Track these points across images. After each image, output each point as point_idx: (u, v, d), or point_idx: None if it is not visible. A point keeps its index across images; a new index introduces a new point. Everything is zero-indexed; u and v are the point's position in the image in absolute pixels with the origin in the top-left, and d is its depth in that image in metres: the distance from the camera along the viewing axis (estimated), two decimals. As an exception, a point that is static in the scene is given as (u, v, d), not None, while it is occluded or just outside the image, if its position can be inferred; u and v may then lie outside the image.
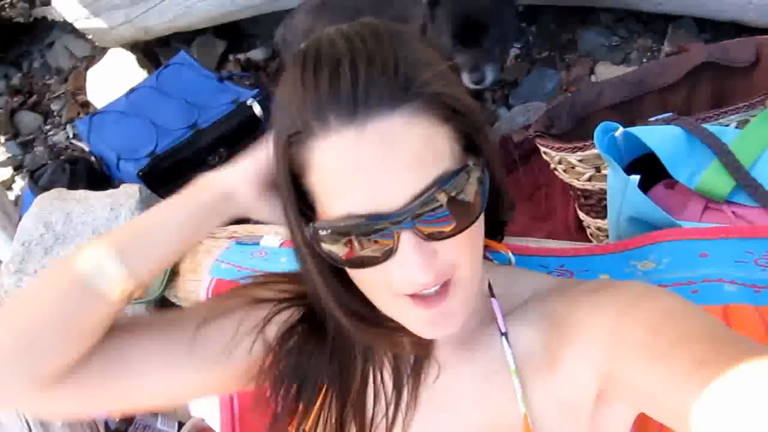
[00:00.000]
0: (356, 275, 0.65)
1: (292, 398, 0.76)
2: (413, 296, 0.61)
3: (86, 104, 2.77)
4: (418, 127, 0.56)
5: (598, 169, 1.18)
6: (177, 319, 0.76)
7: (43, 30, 3.08)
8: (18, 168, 2.77)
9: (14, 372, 0.65)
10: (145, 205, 1.52)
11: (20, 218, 1.61)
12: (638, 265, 0.88)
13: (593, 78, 2.09)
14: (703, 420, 0.49)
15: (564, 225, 1.54)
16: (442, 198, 0.57)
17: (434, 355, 0.75)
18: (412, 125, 0.56)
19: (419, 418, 0.73)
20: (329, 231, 0.59)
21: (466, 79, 1.65)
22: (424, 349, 0.74)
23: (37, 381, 0.66)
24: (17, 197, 2.61)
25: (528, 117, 1.99)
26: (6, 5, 2.94)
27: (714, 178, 0.92)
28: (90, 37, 2.65)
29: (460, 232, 0.59)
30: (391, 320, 0.70)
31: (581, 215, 1.34)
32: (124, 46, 2.68)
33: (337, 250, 0.60)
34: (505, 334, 0.71)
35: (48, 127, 2.87)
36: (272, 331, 0.77)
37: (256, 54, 2.63)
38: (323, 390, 0.75)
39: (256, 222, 1.43)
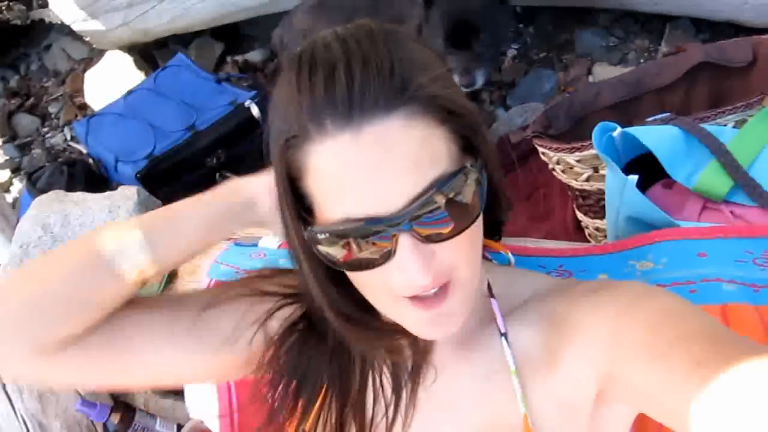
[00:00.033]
0: (355, 278, 0.65)
1: (290, 395, 0.76)
2: (413, 298, 0.61)
3: (84, 106, 2.77)
4: (414, 129, 0.56)
5: (596, 170, 1.18)
6: (183, 301, 0.77)
7: (41, 32, 3.08)
8: (16, 170, 2.77)
9: (20, 334, 0.66)
10: (143, 207, 1.52)
11: (18, 220, 1.60)
12: (637, 264, 0.88)
13: (591, 78, 2.10)
14: (702, 420, 0.49)
15: (562, 225, 1.54)
16: (440, 200, 0.57)
17: (434, 355, 0.75)
18: (409, 128, 0.56)
19: (419, 419, 0.73)
20: (327, 234, 0.59)
21: (456, 81, 1.65)
22: (421, 354, 0.74)
23: (40, 346, 0.67)
24: (15, 199, 2.61)
25: (526, 118, 1.99)
26: (3, 7, 2.94)
27: (712, 178, 0.92)
28: (87, 39, 2.65)
29: (459, 233, 0.59)
30: (388, 325, 0.71)
31: (579, 215, 1.34)
32: (121, 48, 2.68)
33: (335, 252, 0.61)
34: (504, 335, 0.71)
35: (45, 129, 2.87)
36: (274, 325, 0.77)
37: (254, 56, 2.64)
38: (323, 390, 0.75)
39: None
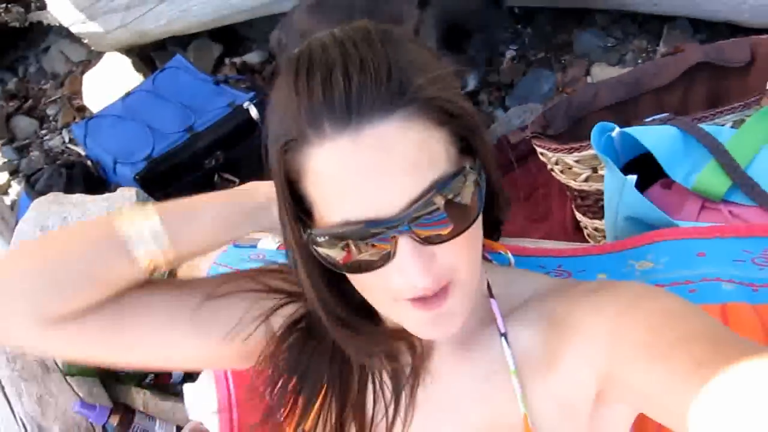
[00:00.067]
0: (355, 279, 0.65)
1: (290, 394, 0.76)
2: (413, 299, 0.61)
3: (82, 109, 2.77)
4: (413, 131, 0.56)
5: (594, 170, 1.18)
6: (189, 286, 0.77)
7: (39, 35, 3.07)
8: (14, 173, 2.77)
9: (28, 302, 0.67)
10: (141, 208, 1.52)
11: (17, 223, 1.61)
12: (636, 264, 0.88)
13: (589, 79, 2.10)
14: (702, 420, 0.49)
15: (561, 226, 1.54)
16: (439, 201, 0.57)
17: (434, 355, 0.75)
18: (407, 130, 0.56)
19: (419, 419, 0.73)
20: (326, 237, 0.59)
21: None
22: (419, 358, 0.74)
23: (45, 316, 0.67)
24: (14, 202, 2.60)
25: (524, 118, 1.99)
26: (1, 10, 2.94)
27: (710, 178, 0.93)
28: (86, 41, 2.64)
29: (458, 235, 0.59)
30: (383, 331, 0.71)
31: (578, 216, 1.34)
32: (119, 50, 2.68)
33: (335, 254, 0.60)
34: (504, 335, 0.71)
35: (44, 131, 2.87)
36: (277, 322, 0.77)
37: (252, 57, 2.63)
38: (323, 390, 0.75)
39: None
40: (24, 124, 2.90)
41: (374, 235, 0.57)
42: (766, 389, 0.47)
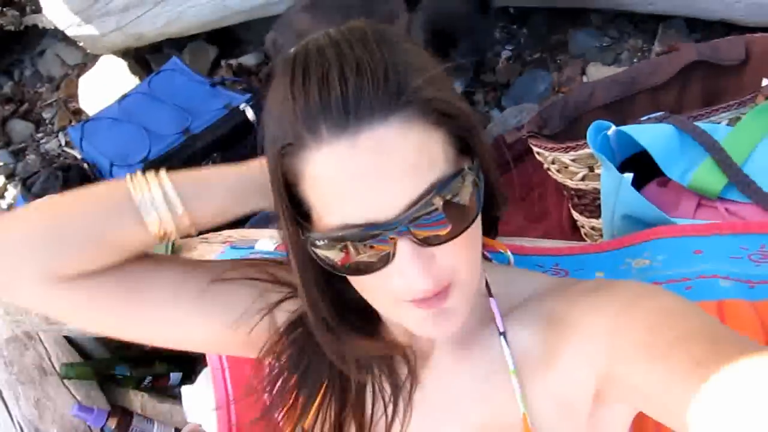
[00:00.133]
0: (355, 281, 0.65)
1: (289, 391, 0.76)
2: (413, 300, 0.61)
3: (78, 112, 2.76)
4: (411, 133, 0.56)
5: (591, 169, 1.18)
6: (197, 267, 0.78)
7: (34, 38, 3.06)
8: (10, 176, 2.76)
9: (34, 259, 0.67)
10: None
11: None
12: (633, 262, 0.88)
13: (585, 79, 2.10)
14: (702, 419, 0.49)
15: (558, 225, 1.54)
16: (438, 202, 0.57)
17: (433, 355, 0.75)
18: (405, 132, 0.55)
19: (418, 418, 0.73)
20: (326, 240, 0.59)
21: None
22: (413, 363, 0.74)
23: (50, 274, 0.68)
24: (10, 205, 2.60)
25: (520, 118, 1.99)
26: (-4, 14, 2.93)
27: (706, 176, 0.93)
28: (81, 44, 2.64)
29: (457, 235, 0.59)
30: (369, 345, 0.72)
31: (575, 215, 1.34)
32: (115, 53, 2.67)
33: (334, 256, 0.60)
34: (503, 334, 0.71)
35: (40, 135, 2.86)
36: (282, 316, 0.77)
37: (248, 59, 2.63)
38: (323, 388, 0.75)
39: (251, 226, 1.43)
40: (20, 127, 2.89)
41: (373, 236, 0.57)
42: (765, 388, 0.47)
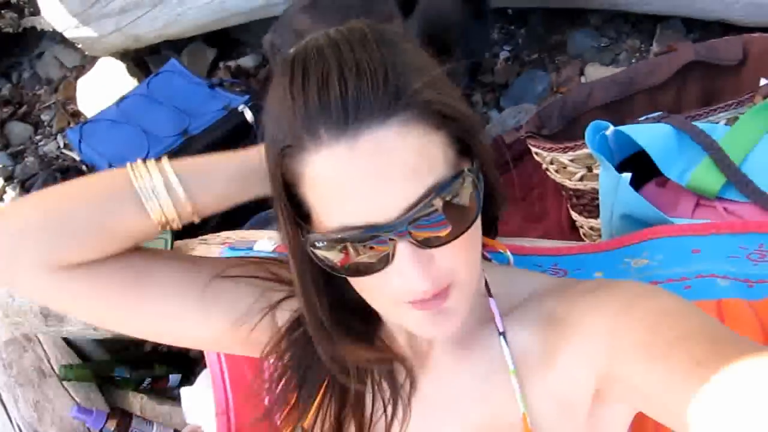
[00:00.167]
0: (355, 282, 0.65)
1: (290, 389, 0.76)
2: (412, 301, 0.61)
3: (77, 114, 2.76)
4: (410, 136, 0.55)
5: (589, 169, 1.18)
6: (199, 263, 0.78)
7: (33, 40, 3.06)
8: (9, 179, 2.76)
9: (35, 246, 0.67)
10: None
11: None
12: (631, 262, 0.88)
13: (583, 79, 2.10)
14: (702, 419, 0.49)
15: (557, 226, 1.54)
16: (438, 203, 0.57)
17: (432, 355, 0.75)
18: (405, 135, 0.55)
19: (418, 418, 0.73)
20: (325, 242, 0.59)
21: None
22: (410, 365, 0.74)
23: (52, 262, 0.67)
24: (8, 208, 2.59)
25: (519, 119, 1.99)
26: (-6, 16, 2.93)
27: (705, 175, 0.93)
28: (80, 46, 2.63)
29: (457, 237, 0.59)
30: (361, 351, 0.72)
31: (574, 215, 1.34)
32: (114, 54, 2.67)
33: (333, 257, 0.60)
34: (503, 334, 0.71)
35: (38, 137, 2.86)
36: (284, 315, 0.78)
37: (247, 61, 2.63)
38: (323, 388, 0.75)
39: (249, 228, 1.43)
40: (18, 129, 2.89)
41: (372, 238, 0.57)
42: (765, 388, 0.47)
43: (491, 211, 0.73)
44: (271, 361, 0.78)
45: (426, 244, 0.58)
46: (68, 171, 2.15)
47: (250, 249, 1.16)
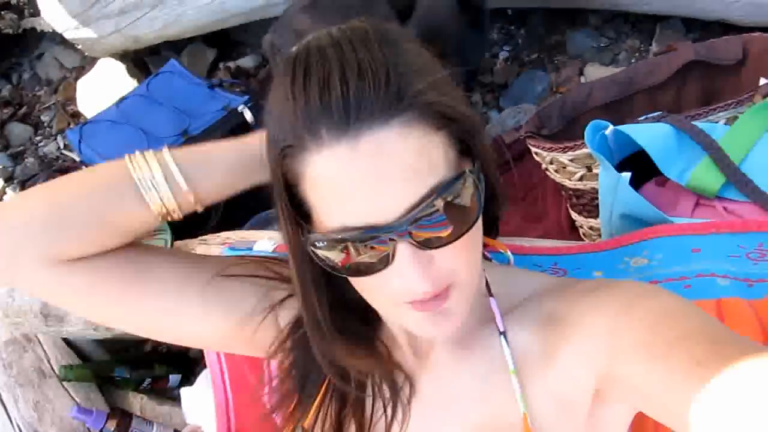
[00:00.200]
0: (356, 282, 0.65)
1: (290, 389, 0.76)
2: (412, 302, 0.61)
3: (76, 115, 2.76)
4: (411, 137, 0.55)
5: (589, 169, 1.18)
6: (201, 260, 0.78)
7: (33, 41, 3.06)
8: (9, 180, 2.76)
9: (35, 243, 0.67)
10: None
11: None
12: (631, 261, 0.88)
13: (582, 79, 2.10)
14: (702, 419, 0.49)
15: (557, 226, 1.54)
16: (439, 203, 0.57)
17: (432, 354, 0.75)
18: (407, 136, 0.55)
19: (418, 418, 0.73)
20: (325, 242, 0.59)
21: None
22: (407, 384, 0.74)
23: (52, 256, 0.67)
24: (8, 209, 2.59)
25: (519, 119, 1.99)
26: (-6, 17, 2.93)
27: (704, 175, 0.93)
28: (79, 47, 2.64)
29: (458, 238, 0.59)
30: (357, 355, 0.71)
31: (573, 215, 1.34)
32: (113, 55, 2.67)
33: (334, 256, 0.60)
34: (503, 333, 0.71)
35: (38, 138, 2.86)
36: (287, 315, 0.77)
37: (246, 62, 2.63)
38: (323, 387, 0.75)
39: (249, 228, 1.43)
40: (18, 130, 2.89)
41: (373, 238, 0.57)
42: (765, 388, 0.47)
43: (492, 211, 0.73)
44: (274, 360, 0.78)
45: (427, 244, 0.58)
46: (68, 172, 2.13)
47: (250, 249, 1.16)
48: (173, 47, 2.68)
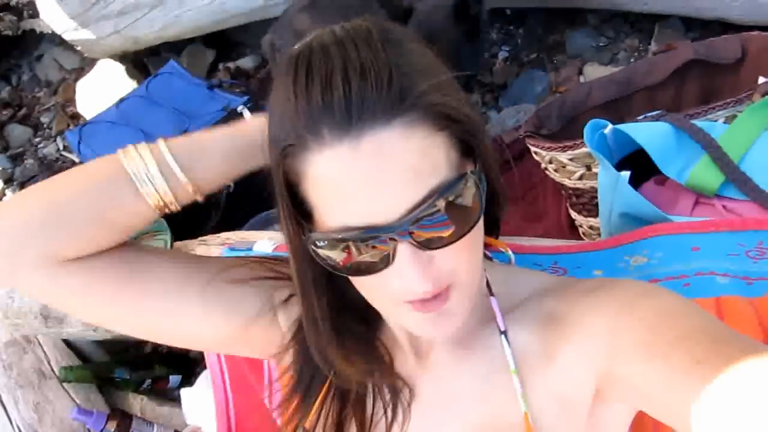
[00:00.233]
0: (356, 282, 0.65)
1: (292, 388, 0.76)
2: (412, 302, 0.61)
3: (76, 116, 2.76)
4: (413, 138, 0.55)
5: (588, 168, 1.18)
6: (201, 260, 0.78)
7: (32, 42, 3.07)
8: (8, 181, 2.76)
9: (33, 243, 0.66)
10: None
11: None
12: (631, 260, 0.88)
13: (582, 79, 2.10)
14: (703, 419, 0.49)
15: (557, 225, 1.54)
16: (440, 203, 0.57)
17: (433, 354, 0.75)
18: (409, 137, 0.55)
19: (418, 418, 0.73)
20: (326, 241, 0.59)
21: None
22: (404, 390, 0.74)
23: (50, 258, 0.67)
24: (8, 210, 2.59)
25: (518, 119, 1.99)
26: (-7, 19, 2.93)
27: (704, 173, 0.93)
28: (79, 48, 2.64)
29: (459, 238, 0.59)
30: (354, 357, 0.71)
31: (573, 214, 1.34)
32: (113, 56, 2.67)
33: (335, 255, 0.60)
34: (504, 333, 0.71)
35: (38, 139, 2.86)
36: (288, 315, 0.77)
37: (246, 62, 2.63)
38: (324, 387, 0.75)
39: (249, 229, 1.43)
40: (18, 132, 2.90)
41: (374, 238, 0.57)
42: (766, 388, 0.47)
43: (493, 211, 0.73)
44: (275, 360, 0.78)
45: (427, 245, 0.58)
46: (68, 173, 2.15)
47: (250, 249, 1.16)
48: (173, 48, 2.68)
